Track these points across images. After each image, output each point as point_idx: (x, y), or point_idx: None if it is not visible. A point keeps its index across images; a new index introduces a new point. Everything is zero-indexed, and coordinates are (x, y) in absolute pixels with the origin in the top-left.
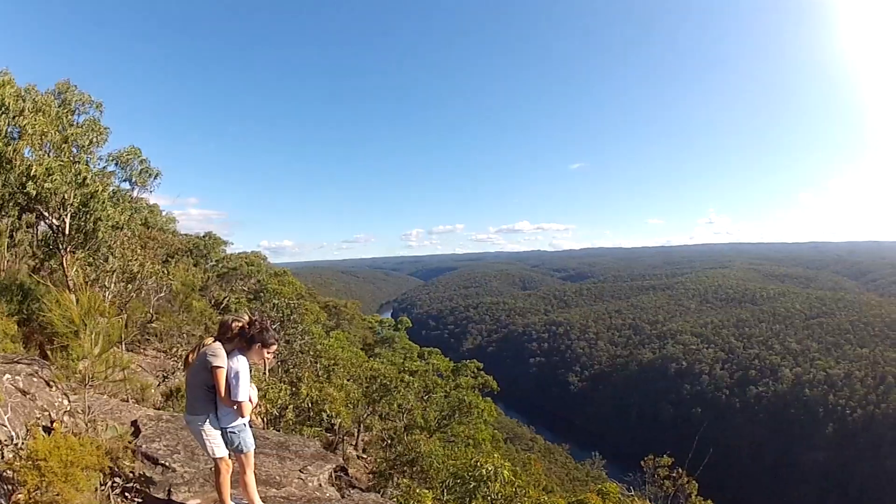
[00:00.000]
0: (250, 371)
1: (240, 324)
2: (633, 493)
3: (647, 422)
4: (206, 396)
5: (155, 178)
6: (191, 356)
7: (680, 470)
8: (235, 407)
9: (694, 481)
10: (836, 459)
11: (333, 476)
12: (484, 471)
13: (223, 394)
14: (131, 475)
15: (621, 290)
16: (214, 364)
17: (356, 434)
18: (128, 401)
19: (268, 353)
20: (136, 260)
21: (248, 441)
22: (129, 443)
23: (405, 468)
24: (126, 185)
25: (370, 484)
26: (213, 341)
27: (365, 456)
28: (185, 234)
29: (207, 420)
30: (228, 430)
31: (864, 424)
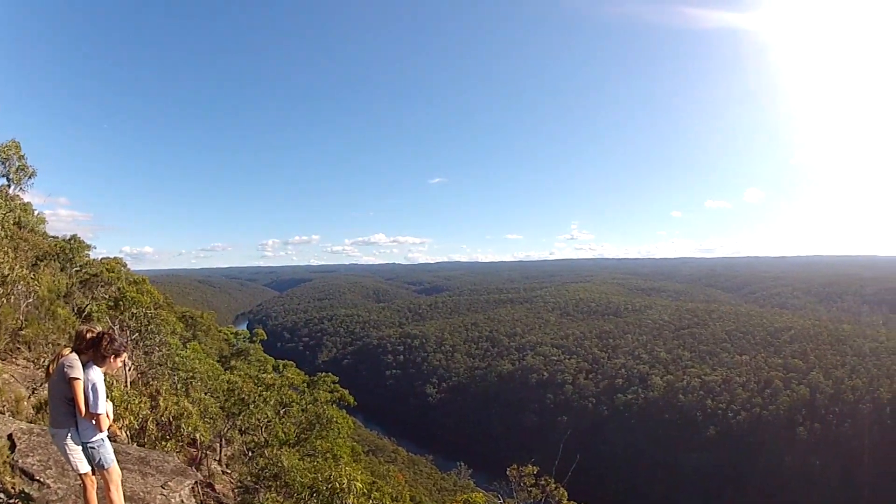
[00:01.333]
0: (106, 383)
1: (93, 334)
2: (501, 501)
3: (512, 431)
4: (67, 409)
5: (30, 177)
6: (51, 367)
7: (547, 477)
8: (94, 421)
9: (562, 488)
10: (723, 460)
11: (198, 491)
12: (337, 483)
13: (81, 406)
14: (13, 491)
15: (478, 303)
16: (71, 375)
17: (219, 449)
18: (3, 413)
19: (117, 361)
20: (6, 263)
21: (108, 456)
22: (7, 457)
23: (270, 482)
24: (2, 181)
25: (237, 500)
26: (70, 352)
27: (229, 471)
28: (54, 237)
29: (69, 434)
30: (88, 445)
31: (751, 426)
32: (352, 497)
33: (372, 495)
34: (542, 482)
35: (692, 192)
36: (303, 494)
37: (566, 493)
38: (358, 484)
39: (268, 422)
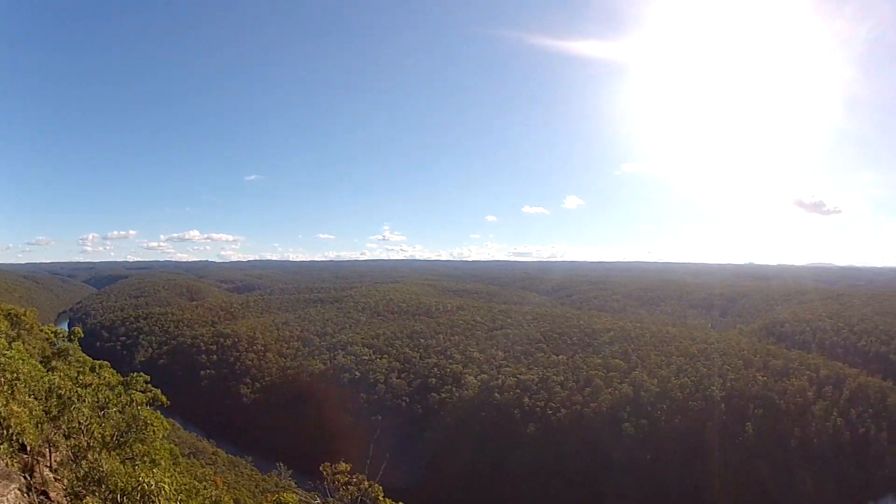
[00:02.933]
0: None
1: None
2: (317, 500)
3: (326, 431)
4: None
5: None
6: None
7: (360, 475)
8: None
9: (377, 485)
10: (548, 455)
11: (32, 498)
12: (145, 486)
13: None
14: None
15: (289, 302)
16: None
17: (48, 454)
18: None
19: None
20: None
21: None
22: None
23: (94, 488)
24: None
25: None
26: None
27: (60, 477)
28: None
29: None
30: None
31: (574, 423)
32: (161, 500)
33: (180, 499)
34: (356, 480)
35: (509, 198)
36: (121, 500)
37: (381, 490)
38: (166, 486)
39: (87, 424)
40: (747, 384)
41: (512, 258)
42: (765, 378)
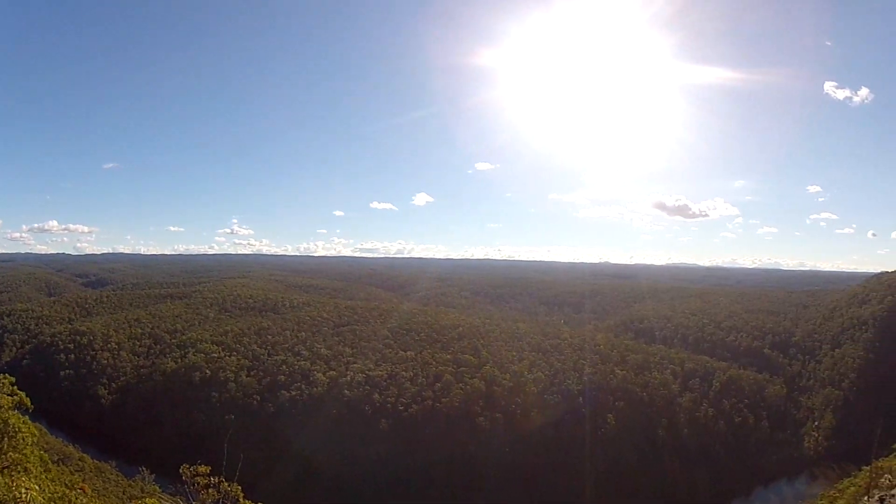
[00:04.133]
0: None
1: None
2: None
3: (183, 432)
4: None
5: None
6: None
7: (218, 477)
8: None
9: (237, 485)
10: (401, 451)
11: None
12: (17, 495)
13: None
14: None
15: (140, 298)
16: None
17: None
18: None
19: None
20: None
21: None
22: None
23: None
24: None
25: None
26: None
27: None
28: None
29: None
30: None
31: (426, 418)
32: None
33: None
34: (215, 482)
35: (357, 193)
36: None
37: (240, 490)
38: (34, 494)
39: None
40: (605, 378)
41: (358, 254)
42: (624, 372)
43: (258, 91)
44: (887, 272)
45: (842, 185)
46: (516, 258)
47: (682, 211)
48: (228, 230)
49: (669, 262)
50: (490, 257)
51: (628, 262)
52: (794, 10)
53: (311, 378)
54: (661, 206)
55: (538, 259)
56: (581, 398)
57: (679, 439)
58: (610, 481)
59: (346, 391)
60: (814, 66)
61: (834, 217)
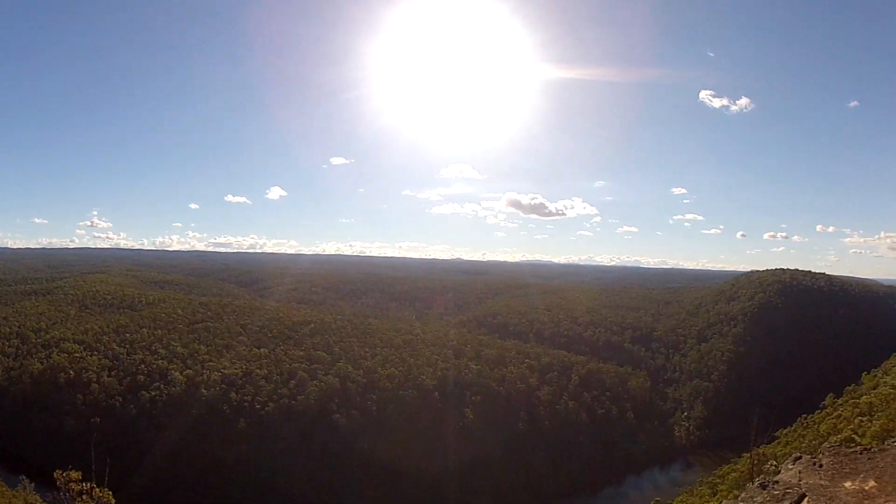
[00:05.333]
0: None
1: None
2: None
3: (55, 437)
4: None
5: None
6: None
7: (90, 483)
8: None
9: (108, 491)
10: (263, 451)
11: None
12: None
13: None
14: None
15: (6, 294)
16: None
17: None
18: None
19: None
20: None
21: None
22: None
23: None
24: None
25: None
26: None
27: None
28: None
29: None
30: None
31: (283, 416)
32: None
33: None
34: (87, 487)
35: (213, 186)
36: None
37: (111, 494)
38: None
39: None
40: (460, 373)
41: (212, 249)
42: (479, 367)
43: (117, 81)
44: (758, 271)
45: (711, 188)
46: (367, 254)
47: (538, 210)
48: (88, 223)
49: (524, 258)
50: (342, 253)
51: (481, 259)
52: (677, 18)
53: (170, 377)
54: (517, 205)
55: (390, 255)
56: (437, 393)
57: (541, 432)
58: (475, 476)
59: (203, 391)
60: (691, 74)
61: (700, 218)
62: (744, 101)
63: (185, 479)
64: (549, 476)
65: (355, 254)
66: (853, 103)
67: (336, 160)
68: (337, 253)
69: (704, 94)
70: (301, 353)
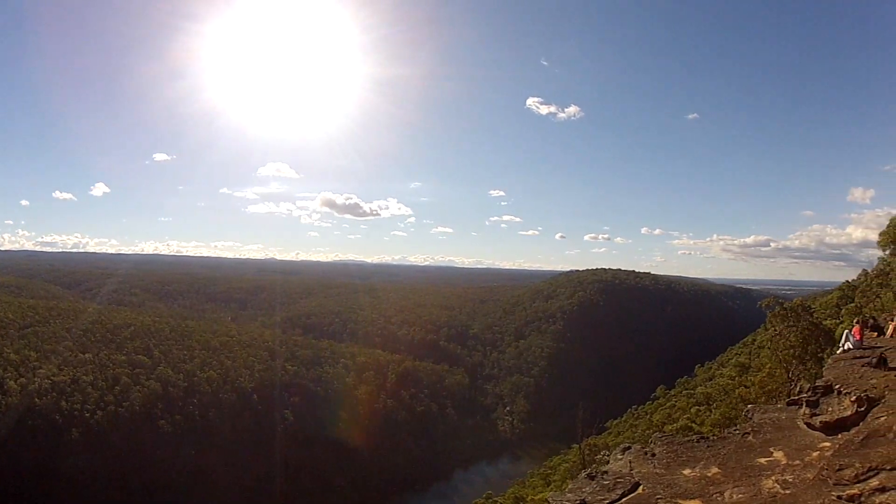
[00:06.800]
0: None
1: None
2: None
3: None
4: None
5: None
6: None
7: None
8: None
9: None
10: (98, 460)
11: None
12: None
13: None
14: None
15: None
16: None
17: None
18: None
19: None
20: None
21: None
22: None
23: None
24: None
25: None
26: None
27: None
28: None
29: None
30: None
31: (112, 424)
32: None
33: None
34: None
35: (42, 182)
36: None
37: None
38: None
39: None
40: (277, 374)
41: (39, 248)
42: (295, 367)
43: None
44: (577, 270)
45: (530, 191)
46: (184, 254)
47: (353, 210)
48: None
49: (337, 259)
50: (160, 252)
51: (294, 259)
52: (514, 26)
53: (5, 386)
54: (331, 205)
55: (206, 255)
56: (255, 396)
57: (363, 431)
58: (301, 478)
59: (36, 399)
60: (521, 81)
61: (517, 220)
62: (573, 108)
63: (25, 497)
64: (375, 474)
65: (172, 253)
66: (692, 115)
67: (159, 156)
68: (155, 252)
69: (532, 101)
70: (123, 357)
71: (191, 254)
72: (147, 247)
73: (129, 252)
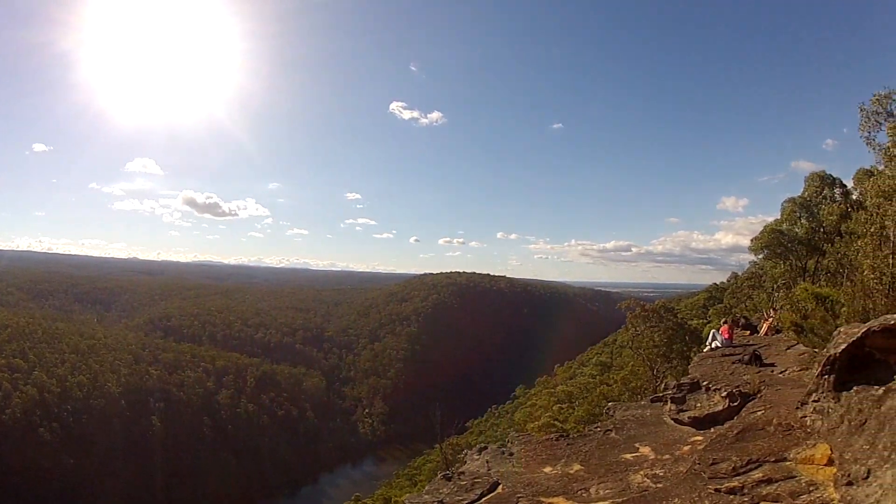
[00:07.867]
0: None
1: None
2: None
3: None
4: None
5: None
6: None
7: None
8: None
9: None
10: None
11: None
12: None
13: None
14: None
15: None
16: None
17: None
18: None
19: None
20: None
21: None
22: None
23: None
24: None
25: None
26: None
27: None
28: None
29: None
30: None
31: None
32: None
33: None
34: None
35: None
36: None
37: None
38: None
39: None
40: (142, 378)
41: None
42: (158, 371)
43: None
44: (431, 273)
45: (385, 195)
46: (54, 251)
47: (212, 209)
48: None
49: (195, 259)
50: (32, 249)
51: (156, 259)
52: (385, 30)
53: None
54: (192, 203)
55: (74, 253)
56: (123, 401)
57: (226, 436)
58: (173, 486)
59: None
60: (386, 86)
61: (372, 222)
62: (436, 115)
63: None
64: (242, 479)
65: (44, 250)
66: (557, 125)
67: (38, 146)
68: (28, 249)
69: (395, 106)
70: (3, 361)
71: (61, 251)
72: (22, 242)
73: (5, 248)
